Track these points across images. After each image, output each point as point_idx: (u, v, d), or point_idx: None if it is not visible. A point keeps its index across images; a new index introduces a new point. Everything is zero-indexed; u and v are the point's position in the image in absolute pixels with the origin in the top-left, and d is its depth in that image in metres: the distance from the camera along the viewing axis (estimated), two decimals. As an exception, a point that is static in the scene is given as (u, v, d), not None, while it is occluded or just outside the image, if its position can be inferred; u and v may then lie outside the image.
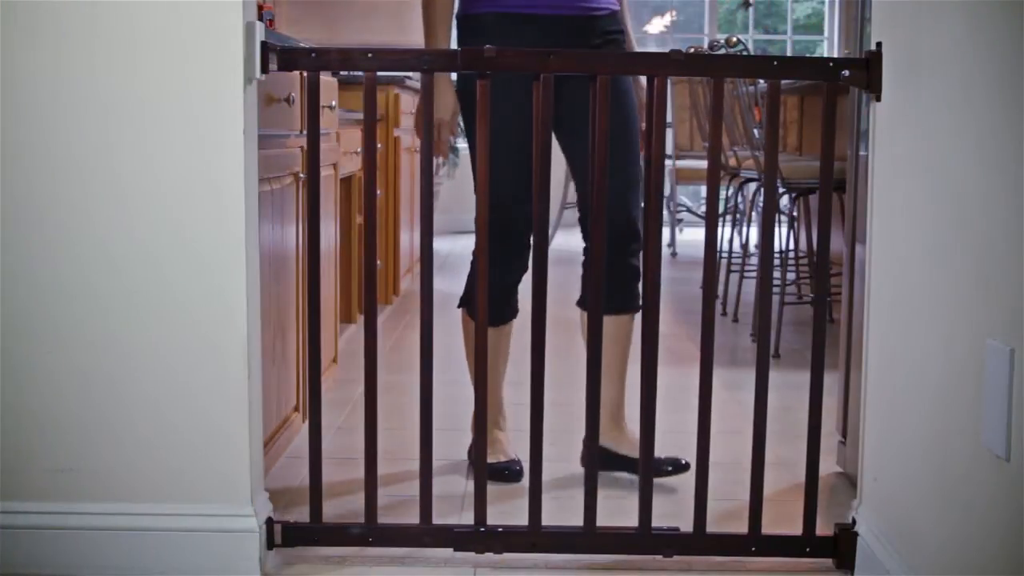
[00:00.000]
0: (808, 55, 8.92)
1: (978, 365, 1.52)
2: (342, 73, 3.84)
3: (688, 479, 2.23)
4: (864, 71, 1.96)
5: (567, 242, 7.22)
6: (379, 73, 2.03)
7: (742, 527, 2.08)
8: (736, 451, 2.68)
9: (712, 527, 2.09)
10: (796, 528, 2.08)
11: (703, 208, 7.89)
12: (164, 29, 1.90)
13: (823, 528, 2.11)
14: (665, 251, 6.92)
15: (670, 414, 2.94)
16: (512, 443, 2.61)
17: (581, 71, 2.06)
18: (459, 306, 2.59)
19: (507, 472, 2.52)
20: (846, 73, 1.96)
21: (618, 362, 2.55)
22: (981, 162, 1.54)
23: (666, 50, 2.03)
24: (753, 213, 4.98)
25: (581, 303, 2.55)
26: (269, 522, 2.02)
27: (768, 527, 2.09)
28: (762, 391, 2.03)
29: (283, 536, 2.04)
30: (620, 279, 2.49)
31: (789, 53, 9.10)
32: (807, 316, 4.74)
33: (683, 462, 2.49)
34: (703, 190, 8.39)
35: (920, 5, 1.79)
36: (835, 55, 7.87)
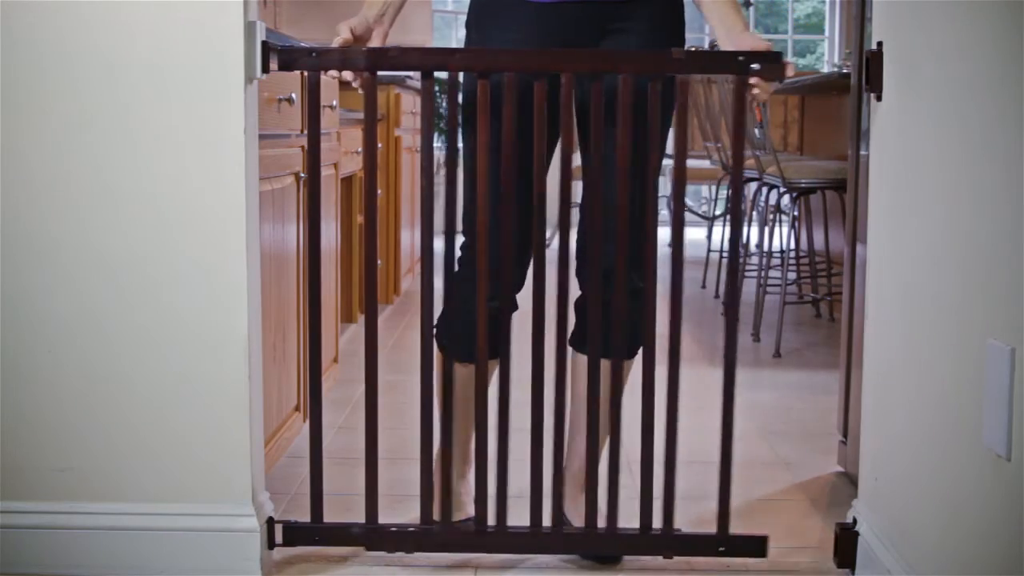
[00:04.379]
0: (808, 54, 8.93)
1: (978, 365, 1.52)
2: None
3: (689, 479, 2.22)
4: (866, 71, 1.96)
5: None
6: (379, 73, 2.03)
7: (743, 527, 2.08)
8: (736, 451, 2.68)
9: (711, 527, 2.09)
10: (797, 528, 2.08)
11: (703, 207, 7.90)
12: (164, 29, 1.90)
13: (824, 528, 2.11)
14: (665, 250, 6.91)
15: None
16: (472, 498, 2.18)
17: (581, 71, 2.04)
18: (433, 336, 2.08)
19: None
20: (756, 67, 1.94)
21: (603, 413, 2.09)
22: (981, 161, 1.54)
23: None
24: (753, 212, 4.98)
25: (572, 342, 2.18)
26: (270, 522, 2.02)
27: (768, 527, 2.09)
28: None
29: (284, 536, 2.04)
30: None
31: (789, 53, 9.11)
32: (807, 316, 4.75)
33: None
34: (703, 189, 8.40)
35: (920, 5, 1.79)
36: (835, 54, 7.89)
